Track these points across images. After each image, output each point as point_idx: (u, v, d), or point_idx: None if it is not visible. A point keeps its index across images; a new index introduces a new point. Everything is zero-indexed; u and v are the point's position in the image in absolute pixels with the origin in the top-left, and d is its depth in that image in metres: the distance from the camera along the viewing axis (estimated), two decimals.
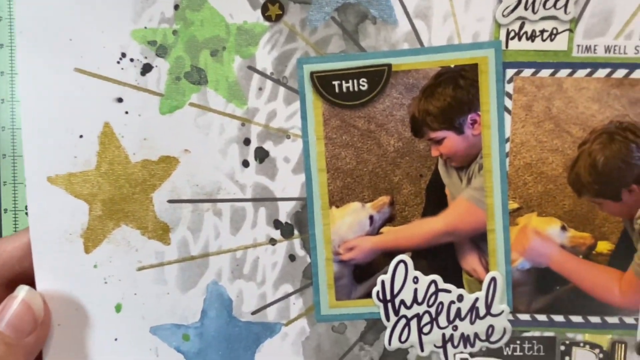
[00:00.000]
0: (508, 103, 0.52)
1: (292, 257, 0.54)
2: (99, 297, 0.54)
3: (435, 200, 0.53)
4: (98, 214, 0.54)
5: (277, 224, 0.54)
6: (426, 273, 0.53)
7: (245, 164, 0.54)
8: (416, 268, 0.53)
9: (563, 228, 0.53)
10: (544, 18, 0.50)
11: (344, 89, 0.52)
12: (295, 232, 0.54)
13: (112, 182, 0.53)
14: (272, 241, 0.54)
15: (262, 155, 0.54)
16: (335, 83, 0.52)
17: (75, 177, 0.54)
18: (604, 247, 0.53)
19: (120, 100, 0.53)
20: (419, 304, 0.54)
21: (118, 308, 0.54)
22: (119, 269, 0.54)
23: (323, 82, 0.52)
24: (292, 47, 0.52)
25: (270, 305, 0.55)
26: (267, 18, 0.52)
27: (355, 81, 0.52)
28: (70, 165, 0.53)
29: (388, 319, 0.54)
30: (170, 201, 0.54)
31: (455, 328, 0.54)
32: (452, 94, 0.52)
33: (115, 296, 0.54)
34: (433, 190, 0.53)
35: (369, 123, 0.53)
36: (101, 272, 0.54)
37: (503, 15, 0.50)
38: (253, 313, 0.55)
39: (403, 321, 0.54)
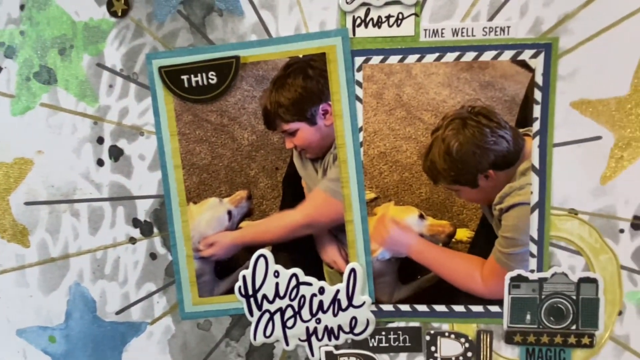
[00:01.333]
0: (359, 92, 0.51)
1: (153, 256, 0.54)
2: None
3: (292, 192, 0.53)
4: None
5: (136, 222, 0.53)
6: (287, 266, 0.53)
7: (100, 162, 0.53)
8: (277, 262, 0.53)
9: (421, 217, 0.52)
10: (388, 3, 0.49)
11: (194, 83, 0.51)
12: (155, 230, 0.54)
13: None
14: (132, 240, 0.54)
15: (116, 153, 0.53)
16: (184, 77, 0.51)
17: None
18: (463, 234, 0.52)
19: None
20: (281, 297, 0.53)
21: None
22: None
23: (172, 77, 0.51)
24: (140, 43, 0.52)
25: (134, 304, 0.54)
26: (113, 14, 0.51)
27: (203, 75, 0.51)
28: None
29: (252, 314, 0.53)
30: (26, 203, 0.53)
31: (318, 321, 0.53)
32: (302, 84, 0.51)
33: None
34: (290, 182, 0.53)
35: (221, 117, 0.52)
36: None
37: (347, 2, 0.49)
38: (117, 313, 0.54)
39: (267, 316, 0.53)
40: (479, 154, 0.50)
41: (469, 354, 0.52)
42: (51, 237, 0.53)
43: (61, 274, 0.54)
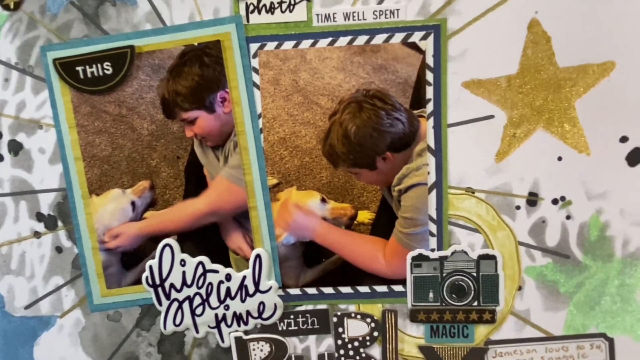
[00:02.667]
0: (256, 78, 0.51)
1: (59, 249, 0.54)
2: None
3: (195, 181, 0.53)
4: None
5: (39, 216, 0.53)
6: (193, 255, 0.53)
7: (0, 158, 0.53)
8: (183, 251, 0.53)
9: (323, 200, 0.52)
10: None
11: (89, 74, 0.51)
12: (59, 223, 0.53)
13: None
14: (37, 234, 0.53)
15: (16, 147, 0.52)
16: (79, 69, 0.51)
17: None
18: (364, 216, 0.53)
19: None
20: (189, 286, 0.53)
21: None
22: None
23: (67, 69, 0.51)
24: (34, 35, 0.51)
25: (43, 298, 0.54)
26: (5, 7, 0.51)
27: (99, 65, 0.51)
28: None
29: (160, 304, 0.54)
30: None
31: (227, 307, 0.54)
32: (198, 72, 0.51)
33: None
34: (192, 171, 0.53)
35: (119, 107, 0.52)
36: None
37: None
38: (26, 307, 0.54)
39: (175, 304, 0.54)
40: (376, 137, 0.51)
41: (375, 334, 0.53)
42: None
43: None
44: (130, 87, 0.52)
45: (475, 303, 0.52)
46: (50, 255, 0.54)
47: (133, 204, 0.53)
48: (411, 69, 0.50)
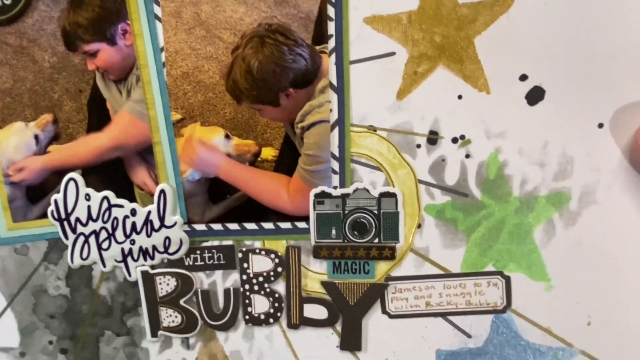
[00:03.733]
0: (157, 10, 0.50)
1: None
2: None
3: (98, 115, 0.53)
4: None
5: None
6: (98, 189, 0.53)
7: None
8: (88, 185, 0.53)
9: (227, 136, 0.53)
10: None
11: None
12: None
13: None
14: None
15: None
16: None
17: None
18: (268, 153, 0.53)
19: None
20: (94, 220, 0.54)
21: None
22: None
23: None
24: None
25: None
26: None
27: None
28: None
29: (67, 238, 0.54)
30: None
31: (133, 242, 0.54)
32: (99, 3, 0.50)
33: None
34: (95, 105, 0.52)
35: (20, 39, 0.51)
36: None
37: None
38: None
39: (82, 239, 0.54)
40: (278, 73, 0.50)
41: (280, 269, 0.54)
42: None
43: None
44: (31, 17, 0.51)
45: (376, 240, 0.53)
46: None
47: (36, 137, 0.53)
48: (312, 3, 0.49)
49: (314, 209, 0.53)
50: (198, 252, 0.55)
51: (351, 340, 0.55)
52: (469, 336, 0.54)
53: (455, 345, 0.54)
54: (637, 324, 0.52)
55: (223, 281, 0.55)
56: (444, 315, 0.54)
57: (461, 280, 0.53)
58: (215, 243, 0.55)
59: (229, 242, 0.55)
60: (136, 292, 0.55)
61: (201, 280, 0.55)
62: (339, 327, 0.55)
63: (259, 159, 0.53)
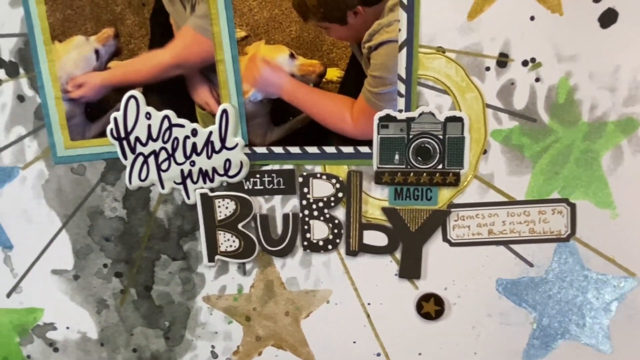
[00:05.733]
0: None
1: (21, 98, 0.53)
2: None
3: (160, 30, 0.51)
4: None
5: (0, 62, 0.52)
6: (159, 108, 0.52)
7: None
8: (149, 103, 0.52)
9: (292, 56, 0.51)
10: None
11: None
12: (21, 70, 0.52)
13: None
14: None
15: None
16: None
17: None
18: (333, 74, 0.52)
19: None
20: (154, 140, 0.53)
21: None
22: None
23: None
24: None
25: (5, 149, 0.53)
26: None
27: None
28: None
29: (125, 158, 0.53)
30: None
31: (193, 163, 0.53)
32: None
33: None
34: (158, 20, 0.51)
35: None
36: None
37: None
38: None
39: (141, 159, 0.53)
40: None
41: (340, 195, 0.54)
42: None
43: None
44: None
45: (440, 166, 0.52)
46: (11, 104, 0.53)
47: (97, 52, 0.52)
48: None
49: (378, 133, 0.52)
50: (258, 175, 0.54)
51: (410, 268, 0.55)
52: (530, 265, 0.54)
53: (517, 274, 0.54)
54: None
55: (282, 206, 0.54)
56: (506, 243, 0.54)
57: (525, 208, 0.53)
58: (276, 167, 0.54)
59: (290, 167, 0.54)
60: (194, 216, 0.54)
61: (260, 204, 0.54)
62: (398, 254, 0.55)
63: (324, 79, 0.52)
